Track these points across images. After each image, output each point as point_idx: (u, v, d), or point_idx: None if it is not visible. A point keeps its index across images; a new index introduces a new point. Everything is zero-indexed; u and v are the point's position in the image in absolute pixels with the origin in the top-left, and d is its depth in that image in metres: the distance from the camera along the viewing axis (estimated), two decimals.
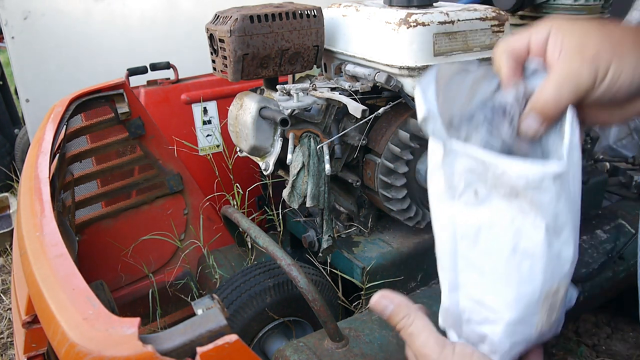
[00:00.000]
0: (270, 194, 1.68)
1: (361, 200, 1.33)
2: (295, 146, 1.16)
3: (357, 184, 1.26)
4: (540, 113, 0.54)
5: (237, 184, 1.55)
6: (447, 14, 1.09)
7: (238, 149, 1.31)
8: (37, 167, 0.91)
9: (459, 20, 1.10)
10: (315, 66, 1.21)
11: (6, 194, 2.56)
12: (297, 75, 1.31)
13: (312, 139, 1.17)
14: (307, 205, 1.16)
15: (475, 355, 0.56)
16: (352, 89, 1.16)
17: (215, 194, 1.61)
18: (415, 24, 1.06)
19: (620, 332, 1.77)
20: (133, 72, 1.70)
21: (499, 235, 0.53)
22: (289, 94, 1.16)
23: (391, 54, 1.09)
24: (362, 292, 1.22)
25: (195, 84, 1.76)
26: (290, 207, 1.27)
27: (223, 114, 1.77)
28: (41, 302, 0.57)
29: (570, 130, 0.52)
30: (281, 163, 1.19)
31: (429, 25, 1.06)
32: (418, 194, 1.28)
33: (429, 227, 1.29)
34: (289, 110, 1.13)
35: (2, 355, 1.77)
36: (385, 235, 1.33)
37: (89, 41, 1.97)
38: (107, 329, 0.50)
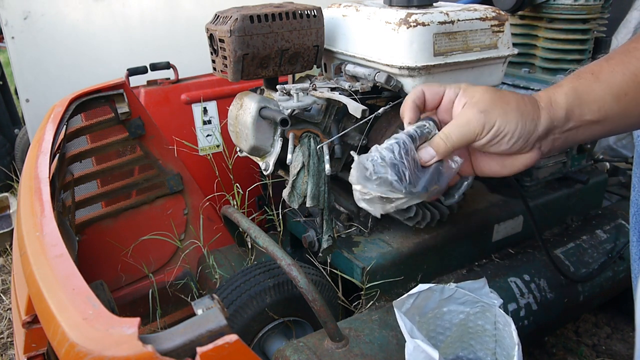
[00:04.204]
0: (270, 194, 1.68)
1: None
2: (295, 146, 1.15)
3: None
4: (434, 147, 0.70)
5: (237, 184, 1.55)
6: (447, 14, 1.09)
7: (238, 149, 1.31)
8: (37, 167, 0.91)
9: (459, 20, 1.10)
10: (315, 66, 1.21)
11: (6, 194, 2.56)
12: (297, 75, 1.31)
13: (312, 139, 1.17)
14: (307, 205, 1.16)
15: None
16: (352, 89, 1.15)
17: (215, 194, 1.61)
18: (415, 24, 1.06)
19: (620, 332, 1.77)
20: (133, 72, 1.70)
21: None
22: (289, 94, 1.16)
23: (391, 54, 1.09)
24: (362, 292, 1.22)
25: (195, 84, 1.76)
26: (290, 207, 1.27)
27: (223, 114, 1.77)
28: (41, 302, 0.57)
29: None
30: (281, 163, 1.19)
31: (429, 25, 1.06)
32: None
33: (429, 227, 1.29)
34: (289, 110, 1.13)
35: (2, 355, 1.77)
36: (385, 235, 1.33)
37: (89, 41, 1.97)
38: (107, 329, 0.50)
